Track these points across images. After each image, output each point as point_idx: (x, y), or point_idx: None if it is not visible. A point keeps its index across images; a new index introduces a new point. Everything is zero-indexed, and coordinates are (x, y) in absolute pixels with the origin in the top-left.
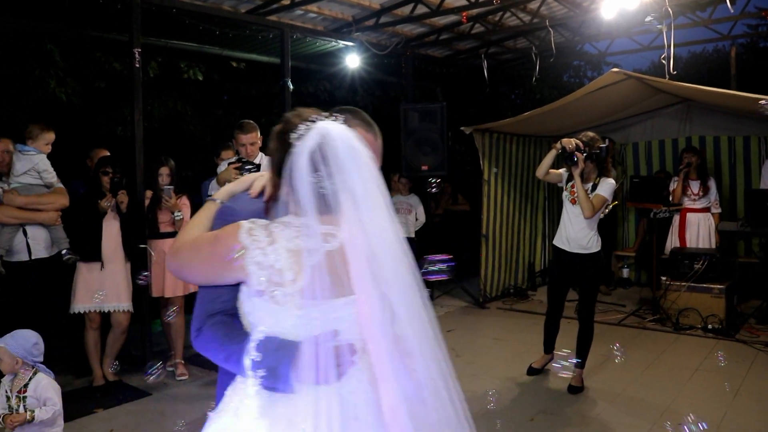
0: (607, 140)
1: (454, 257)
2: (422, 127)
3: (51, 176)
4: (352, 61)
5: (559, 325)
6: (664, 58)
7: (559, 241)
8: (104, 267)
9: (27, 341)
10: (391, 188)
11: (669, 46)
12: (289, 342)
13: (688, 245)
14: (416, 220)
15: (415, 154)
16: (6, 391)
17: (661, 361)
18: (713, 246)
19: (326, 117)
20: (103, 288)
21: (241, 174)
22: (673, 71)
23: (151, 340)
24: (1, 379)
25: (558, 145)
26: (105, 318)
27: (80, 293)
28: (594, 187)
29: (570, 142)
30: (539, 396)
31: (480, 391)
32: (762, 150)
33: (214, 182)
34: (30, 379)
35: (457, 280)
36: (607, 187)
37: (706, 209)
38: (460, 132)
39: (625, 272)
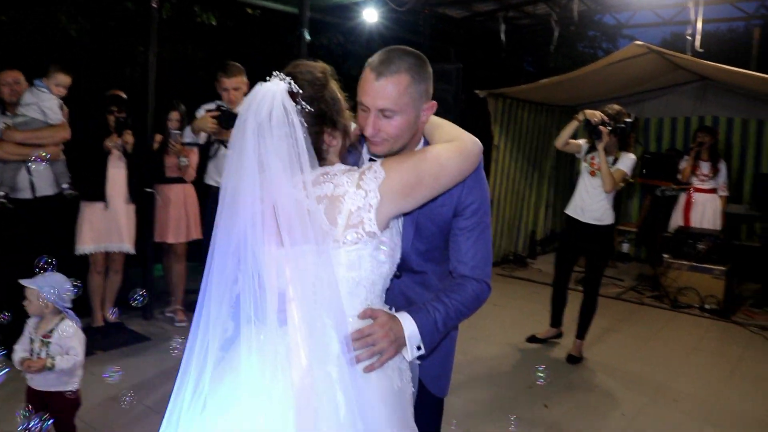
0: (632, 115)
1: None
2: (437, 87)
3: (55, 117)
4: (370, 15)
5: (567, 296)
6: (689, 34)
7: (573, 210)
8: (108, 207)
9: (60, 285)
10: None
11: (696, 22)
12: None
13: (692, 225)
14: None
15: None
16: (30, 334)
17: (658, 337)
18: (718, 228)
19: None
20: (108, 228)
21: (222, 124)
22: (700, 48)
23: (153, 284)
24: (27, 321)
25: (581, 117)
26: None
27: (85, 234)
28: (615, 161)
29: (595, 115)
30: (538, 364)
31: (480, 355)
32: None
33: (189, 127)
34: (57, 324)
35: None
36: (628, 162)
37: (713, 191)
38: (473, 95)
39: (626, 247)
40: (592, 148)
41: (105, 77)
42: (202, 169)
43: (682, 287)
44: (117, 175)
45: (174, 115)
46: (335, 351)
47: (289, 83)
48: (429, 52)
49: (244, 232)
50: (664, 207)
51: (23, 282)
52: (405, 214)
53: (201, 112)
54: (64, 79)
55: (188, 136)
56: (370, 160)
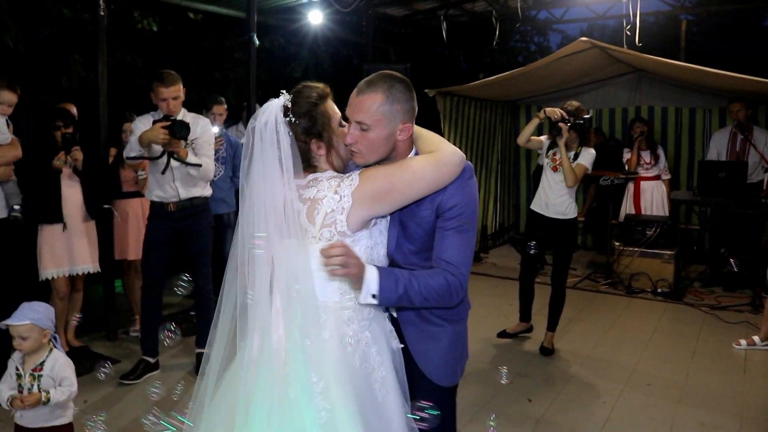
0: (590, 111)
1: None
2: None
3: (3, 137)
4: (315, 17)
5: (534, 290)
6: (629, 29)
7: (538, 206)
8: (66, 228)
9: (49, 312)
10: None
11: (635, 16)
12: None
13: (643, 212)
14: None
15: None
16: (16, 369)
17: (619, 323)
18: (666, 213)
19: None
20: (69, 251)
21: (174, 135)
22: (639, 43)
23: (114, 303)
24: (11, 355)
25: (542, 115)
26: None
27: (46, 258)
28: (576, 156)
29: (555, 112)
30: (513, 359)
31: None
32: (706, 122)
33: (134, 140)
34: (47, 356)
35: None
36: (588, 156)
37: (658, 177)
38: (421, 94)
39: None
40: (553, 144)
41: (39, 89)
42: None
43: (635, 273)
44: (72, 194)
45: (128, 127)
46: (300, 321)
47: (287, 100)
48: (372, 52)
49: (252, 223)
50: (609, 196)
51: (11, 321)
52: (391, 216)
53: (142, 123)
54: (9, 97)
55: (133, 148)
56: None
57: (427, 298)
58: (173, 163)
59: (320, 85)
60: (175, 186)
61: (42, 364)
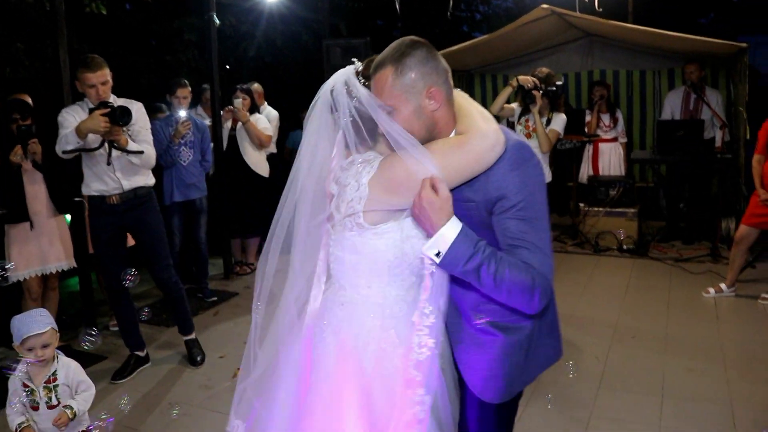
0: (562, 77)
1: None
2: (346, 63)
3: None
4: None
5: None
6: None
7: None
8: (34, 227)
9: (47, 315)
10: None
11: None
12: None
13: (601, 173)
14: None
15: None
16: (24, 385)
17: (593, 282)
18: (623, 173)
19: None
20: (40, 249)
21: (116, 122)
22: (599, 8)
23: (92, 297)
24: (14, 375)
25: (514, 83)
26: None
27: (15, 259)
28: (548, 122)
29: (528, 80)
30: None
31: None
32: (656, 83)
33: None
34: (57, 363)
35: None
36: (560, 121)
37: (615, 139)
38: None
39: None
40: (524, 111)
41: None
42: None
43: (600, 232)
44: (36, 190)
45: None
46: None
47: (359, 65)
48: (329, 28)
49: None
50: (571, 159)
51: (36, 330)
52: None
53: (68, 117)
54: None
55: (69, 142)
56: None
57: (496, 286)
58: (113, 152)
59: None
60: (117, 177)
61: (54, 373)
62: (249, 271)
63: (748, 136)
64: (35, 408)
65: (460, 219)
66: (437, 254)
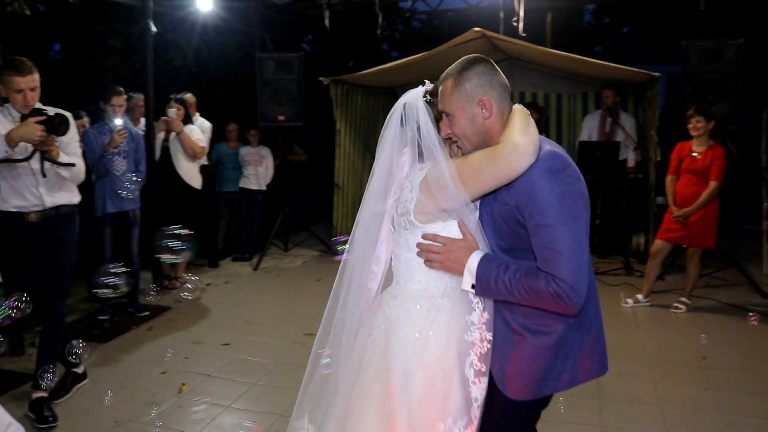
0: None
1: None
2: (278, 77)
3: None
4: (204, 4)
5: None
6: (515, 21)
7: None
8: None
9: None
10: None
11: (520, 7)
12: None
13: None
14: (266, 172)
15: (271, 104)
16: None
17: None
18: None
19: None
20: None
21: (54, 131)
22: (523, 33)
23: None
24: None
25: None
26: None
27: None
28: None
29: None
30: None
31: None
32: (571, 106)
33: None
34: None
35: (307, 230)
36: None
37: None
38: (316, 83)
39: None
40: None
41: None
42: None
43: None
44: None
45: None
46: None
47: (430, 85)
48: (258, 41)
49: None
50: None
51: None
52: (480, 206)
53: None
54: None
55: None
56: None
57: (520, 296)
58: (47, 165)
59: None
60: (39, 192)
61: None
62: (178, 286)
63: (658, 158)
64: None
65: (501, 220)
66: (473, 286)
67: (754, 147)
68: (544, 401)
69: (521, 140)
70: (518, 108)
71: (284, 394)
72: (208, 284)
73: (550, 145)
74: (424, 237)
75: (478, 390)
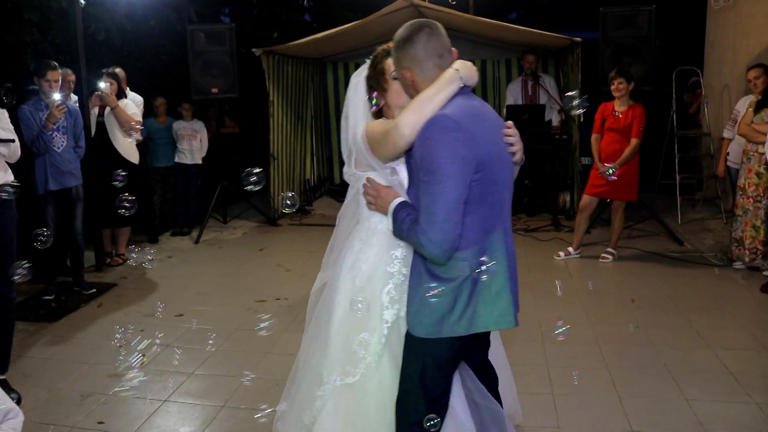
0: None
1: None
2: (210, 49)
3: None
4: None
5: None
6: None
7: None
8: None
9: None
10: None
11: None
12: None
13: None
14: (201, 146)
15: (204, 77)
16: None
17: None
18: None
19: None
20: None
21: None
22: (453, 2)
23: None
24: None
25: None
26: None
27: None
28: None
29: None
30: None
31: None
32: (495, 72)
33: None
34: None
35: (246, 202)
36: None
37: None
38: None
39: None
40: None
41: None
42: None
43: None
44: None
45: None
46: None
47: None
48: (183, 15)
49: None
50: None
51: None
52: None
53: None
54: None
55: None
56: None
57: (404, 236)
58: None
59: (392, 44)
60: None
61: None
62: (121, 262)
63: (581, 119)
64: None
65: (413, 172)
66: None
67: (667, 106)
68: (453, 346)
69: (404, 119)
70: (446, 73)
71: (246, 357)
72: (151, 259)
73: (454, 108)
74: (364, 183)
75: (390, 314)
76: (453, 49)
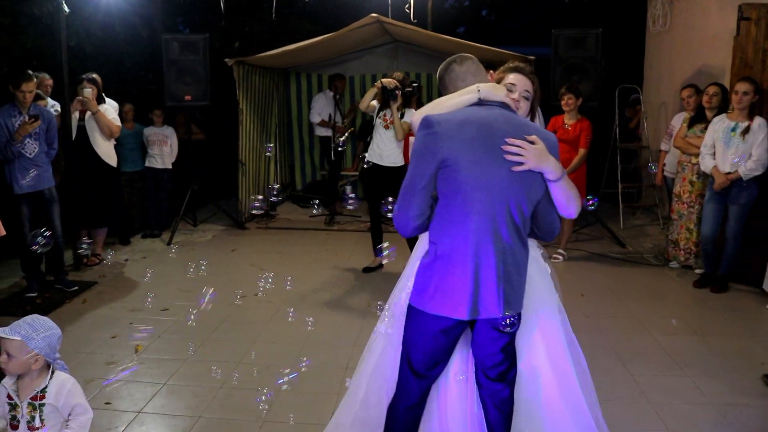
0: (417, 81)
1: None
2: (183, 58)
3: None
4: None
5: (382, 229)
6: (408, 7)
7: (374, 156)
8: None
9: (52, 334)
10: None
11: None
12: None
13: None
14: (171, 151)
15: (177, 84)
16: (9, 397)
17: None
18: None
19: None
20: None
21: None
22: (414, 20)
23: None
24: (1, 380)
25: (379, 84)
26: None
27: None
28: (402, 116)
29: (390, 82)
30: (375, 286)
31: (341, 294)
32: None
33: None
34: (49, 380)
35: (215, 206)
36: (409, 115)
37: None
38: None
39: (349, 189)
40: (383, 107)
41: None
42: None
43: None
44: None
45: None
46: None
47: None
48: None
49: None
50: None
51: (1, 333)
52: None
53: None
54: None
55: None
56: None
57: None
58: None
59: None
60: None
61: (44, 390)
62: (97, 262)
63: None
64: (14, 427)
65: None
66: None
67: (610, 120)
68: (438, 324)
69: (415, 117)
70: (466, 89)
71: (237, 345)
72: (126, 260)
73: (454, 113)
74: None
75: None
76: (491, 71)
